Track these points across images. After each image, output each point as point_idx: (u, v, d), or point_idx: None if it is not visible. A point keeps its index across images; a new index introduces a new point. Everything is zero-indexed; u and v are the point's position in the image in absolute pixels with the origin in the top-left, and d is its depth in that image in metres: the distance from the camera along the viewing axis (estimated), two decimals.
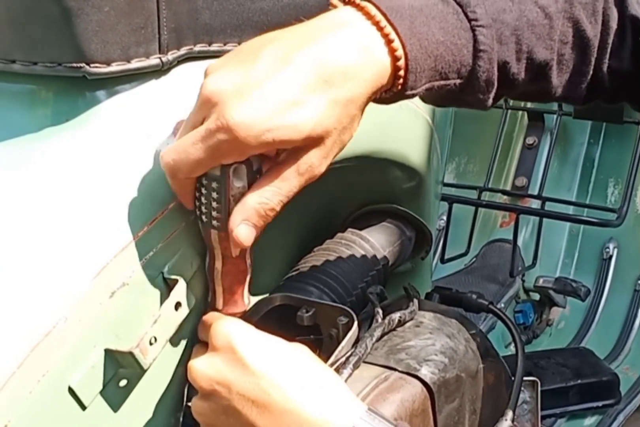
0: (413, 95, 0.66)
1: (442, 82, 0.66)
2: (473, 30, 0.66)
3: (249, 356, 0.63)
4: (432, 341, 0.78)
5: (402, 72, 0.63)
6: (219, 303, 0.70)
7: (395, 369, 0.75)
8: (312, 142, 0.61)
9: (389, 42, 0.62)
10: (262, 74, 0.59)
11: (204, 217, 0.65)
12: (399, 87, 0.64)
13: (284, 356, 0.65)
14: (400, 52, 0.62)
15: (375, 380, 0.73)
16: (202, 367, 0.64)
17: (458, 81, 0.67)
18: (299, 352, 0.66)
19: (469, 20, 0.65)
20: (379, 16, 0.62)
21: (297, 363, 0.65)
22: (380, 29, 0.62)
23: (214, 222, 0.65)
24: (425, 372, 0.74)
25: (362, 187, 0.96)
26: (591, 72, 0.73)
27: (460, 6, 0.65)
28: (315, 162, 0.62)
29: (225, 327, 0.65)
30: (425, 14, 0.64)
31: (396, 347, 0.77)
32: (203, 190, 0.63)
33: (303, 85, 0.60)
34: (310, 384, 0.63)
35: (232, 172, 0.62)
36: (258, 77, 0.59)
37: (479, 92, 0.69)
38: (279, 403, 0.62)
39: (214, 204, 0.64)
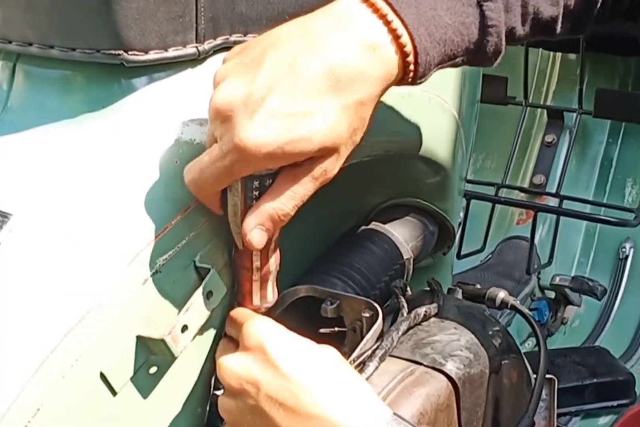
0: (421, 83, 0.66)
1: (450, 63, 0.66)
2: (480, 6, 0.65)
3: (281, 358, 0.63)
4: (457, 336, 0.78)
5: (412, 67, 0.63)
6: (247, 299, 0.70)
7: (420, 364, 0.75)
8: (325, 149, 0.61)
9: (396, 37, 0.61)
10: (267, 85, 0.59)
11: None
12: (409, 80, 0.64)
13: (315, 360, 0.65)
14: (409, 48, 0.62)
15: (401, 374, 0.73)
16: (233, 366, 0.64)
17: (465, 57, 0.67)
18: (329, 356, 0.66)
19: None
20: (385, 9, 0.61)
21: (327, 367, 0.65)
22: (387, 23, 0.61)
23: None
24: (451, 367, 0.75)
25: (387, 181, 0.96)
26: (596, 13, 0.73)
27: None
28: (328, 167, 0.62)
29: (258, 327, 0.65)
30: None
31: (421, 341, 0.77)
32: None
33: (312, 93, 0.59)
34: (338, 389, 0.64)
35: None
36: (263, 89, 0.59)
37: (486, 62, 0.69)
38: (307, 407, 0.62)
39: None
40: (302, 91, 0.59)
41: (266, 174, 0.63)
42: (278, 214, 0.63)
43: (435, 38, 0.63)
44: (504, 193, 1.79)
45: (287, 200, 0.62)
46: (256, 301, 0.70)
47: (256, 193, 0.64)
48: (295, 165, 0.62)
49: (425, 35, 0.62)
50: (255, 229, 0.63)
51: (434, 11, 0.63)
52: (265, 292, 0.70)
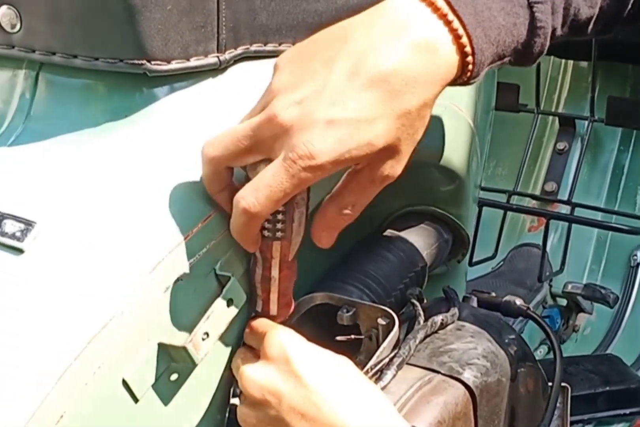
0: (474, 83, 0.66)
1: (498, 62, 0.67)
2: (531, 7, 0.65)
3: (304, 370, 0.64)
4: (474, 345, 0.79)
5: (470, 67, 0.63)
6: (274, 309, 0.70)
7: (438, 372, 0.75)
8: (387, 152, 0.62)
9: (456, 37, 0.61)
10: (332, 95, 0.59)
11: (265, 232, 0.66)
12: (465, 79, 0.64)
13: (336, 371, 0.65)
14: (468, 48, 0.62)
15: (419, 382, 0.73)
16: (255, 376, 0.65)
17: (512, 57, 0.67)
18: (348, 368, 0.67)
19: None
20: (445, 8, 0.61)
21: (348, 379, 0.65)
22: (447, 23, 0.61)
23: (278, 234, 0.66)
24: (468, 375, 0.75)
25: (402, 189, 0.95)
26: (626, 14, 0.73)
27: None
28: (391, 169, 0.63)
29: (281, 337, 0.66)
30: None
31: (438, 350, 0.78)
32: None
33: (375, 101, 0.59)
34: (359, 401, 0.64)
35: None
36: (329, 99, 0.59)
37: (528, 62, 0.69)
38: (328, 418, 0.62)
39: (279, 216, 0.65)
40: (365, 98, 0.59)
41: None
42: (344, 219, 0.64)
43: (490, 39, 0.63)
44: (515, 200, 1.79)
45: (352, 206, 0.64)
46: (284, 309, 0.70)
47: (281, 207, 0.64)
48: (356, 171, 0.63)
49: (482, 35, 0.63)
50: (324, 233, 0.65)
51: (489, 11, 0.63)
52: (290, 299, 0.71)
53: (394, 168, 0.63)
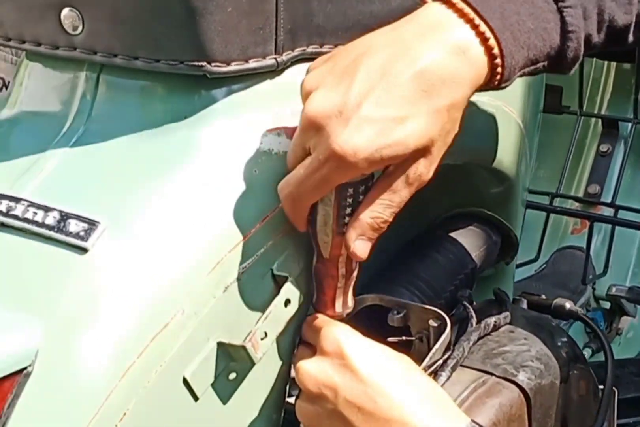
0: (505, 87, 0.67)
1: (532, 68, 0.67)
2: (561, 12, 0.66)
3: (359, 363, 0.64)
4: (527, 347, 0.78)
5: (499, 69, 0.64)
6: (329, 306, 0.70)
7: (492, 374, 0.75)
8: (419, 152, 0.62)
9: (484, 40, 0.63)
10: (362, 92, 0.60)
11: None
12: (496, 82, 0.65)
13: (392, 365, 0.66)
14: (496, 50, 0.63)
15: (474, 384, 0.74)
16: (311, 370, 0.65)
17: (546, 63, 0.68)
18: (405, 362, 0.67)
19: (556, 2, 0.66)
20: (472, 14, 0.62)
21: (404, 372, 0.66)
22: (474, 27, 0.62)
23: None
24: (522, 378, 0.75)
25: (451, 190, 0.96)
26: None
27: None
28: (423, 170, 0.63)
29: (336, 332, 0.66)
30: (514, 1, 0.64)
31: (492, 352, 0.78)
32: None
33: (403, 99, 0.60)
34: (416, 394, 0.64)
35: None
36: (358, 96, 0.60)
37: (565, 69, 0.70)
38: (385, 411, 0.63)
39: None
40: (396, 97, 0.60)
41: (359, 180, 0.64)
42: (377, 222, 0.64)
43: (519, 42, 0.64)
44: (557, 202, 1.78)
45: (384, 209, 0.64)
46: (338, 307, 0.70)
47: (349, 200, 0.65)
48: (389, 173, 0.63)
49: (510, 39, 0.63)
50: (358, 240, 0.64)
51: (517, 16, 0.64)
52: (346, 299, 0.71)
53: (426, 171, 0.63)
